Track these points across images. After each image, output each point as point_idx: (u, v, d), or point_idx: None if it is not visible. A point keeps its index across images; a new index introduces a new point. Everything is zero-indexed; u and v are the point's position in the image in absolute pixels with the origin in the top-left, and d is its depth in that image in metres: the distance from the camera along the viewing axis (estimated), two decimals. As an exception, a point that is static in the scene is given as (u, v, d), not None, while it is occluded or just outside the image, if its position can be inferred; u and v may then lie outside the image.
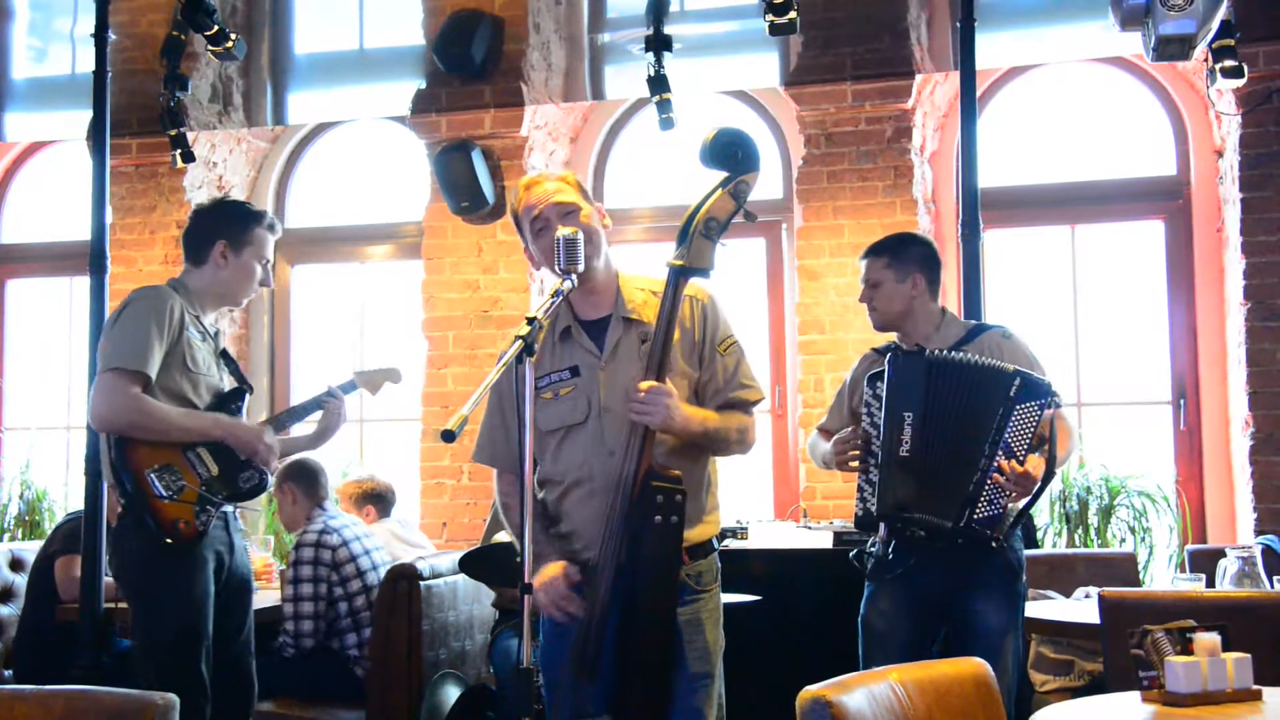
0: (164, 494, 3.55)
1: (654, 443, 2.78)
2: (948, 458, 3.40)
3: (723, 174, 2.90)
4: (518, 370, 2.62)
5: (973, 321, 3.87)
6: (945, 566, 3.50)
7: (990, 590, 3.52)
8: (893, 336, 3.80)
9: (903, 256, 3.71)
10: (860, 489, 3.53)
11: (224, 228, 3.77)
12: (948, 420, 3.41)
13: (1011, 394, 3.36)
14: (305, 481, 4.81)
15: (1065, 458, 3.63)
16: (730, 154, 2.90)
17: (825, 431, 3.83)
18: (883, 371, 3.52)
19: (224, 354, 3.82)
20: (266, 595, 4.84)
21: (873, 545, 3.66)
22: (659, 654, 2.77)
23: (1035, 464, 3.36)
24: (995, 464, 3.35)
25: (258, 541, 5.61)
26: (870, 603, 3.62)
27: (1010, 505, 3.43)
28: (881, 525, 3.50)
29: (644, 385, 2.76)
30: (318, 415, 4.01)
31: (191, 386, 3.64)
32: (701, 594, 2.92)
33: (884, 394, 3.48)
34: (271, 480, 3.84)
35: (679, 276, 2.84)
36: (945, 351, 3.53)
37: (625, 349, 2.91)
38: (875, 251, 3.75)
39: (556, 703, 2.83)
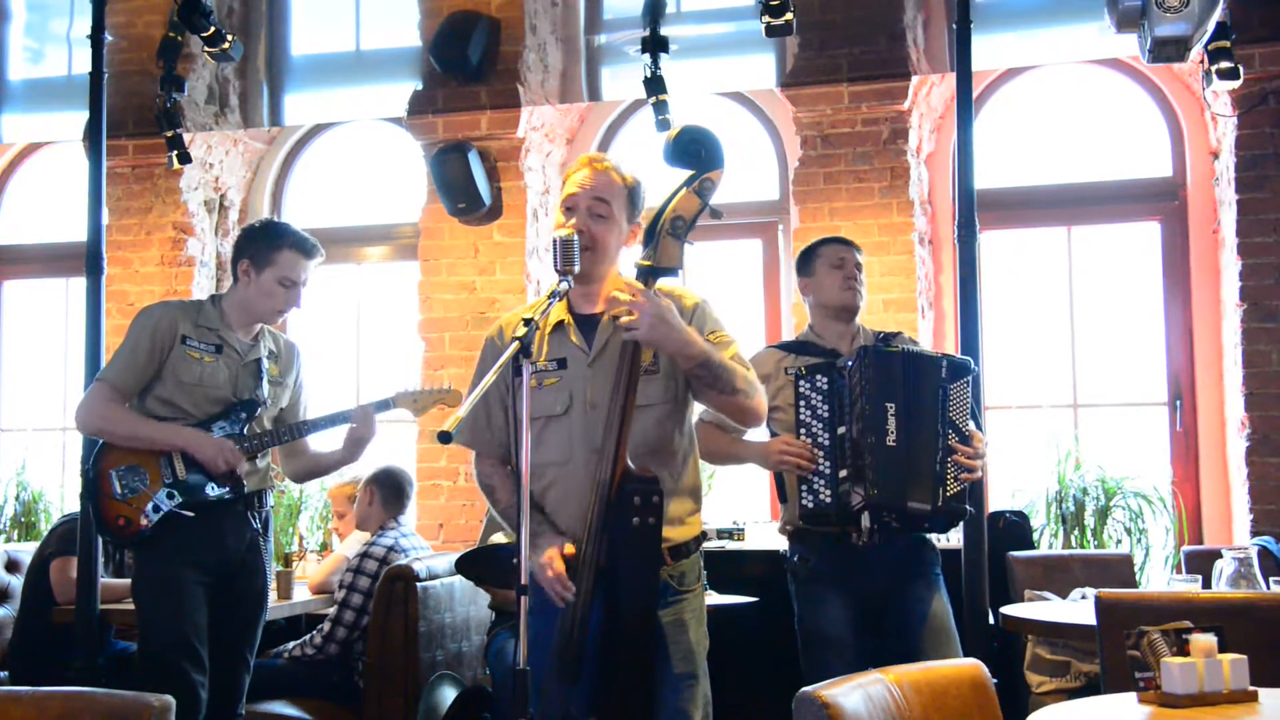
0: (118, 492, 3.70)
1: (629, 445, 2.77)
2: (921, 444, 3.46)
3: (688, 172, 2.91)
4: (513, 369, 2.62)
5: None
6: (883, 561, 3.56)
7: (925, 576, 3.64)
8: (797, 333, 3.95)
9: None
10: (810, 481, 3.51)
11: (249, 246, 3.87)
12: (916, 409, 3.48)
13: (944, 375, 3.48)
14: (389, 489, 4.85)
15: None
16: (694, 152, 2.90)
17: (713, 425, 3.59)
18: (819, 365, 3.57)
19: (258, 368, 3.86)
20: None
21: (794, 554, 3.69)
22: (641, 656, 2.76)
23: (978, 435, 3.52)
24: (949, 443, 3.46)
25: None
26: (815, 609, 3.61)
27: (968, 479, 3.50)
28: (865, 516, 3.46)
29: (635, 283, 2.78)
30: (331, 429, 4.00)
31: (186, 396, 3.75)
32: (685, 594, 2.92)
33: (852, 386, 3.49)
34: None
35: (647, 277, 2.86)
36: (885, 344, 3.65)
37: (613, 349, 2.91)
38: (853, 246, 3.91)
39: (542, 707, 2.83)
